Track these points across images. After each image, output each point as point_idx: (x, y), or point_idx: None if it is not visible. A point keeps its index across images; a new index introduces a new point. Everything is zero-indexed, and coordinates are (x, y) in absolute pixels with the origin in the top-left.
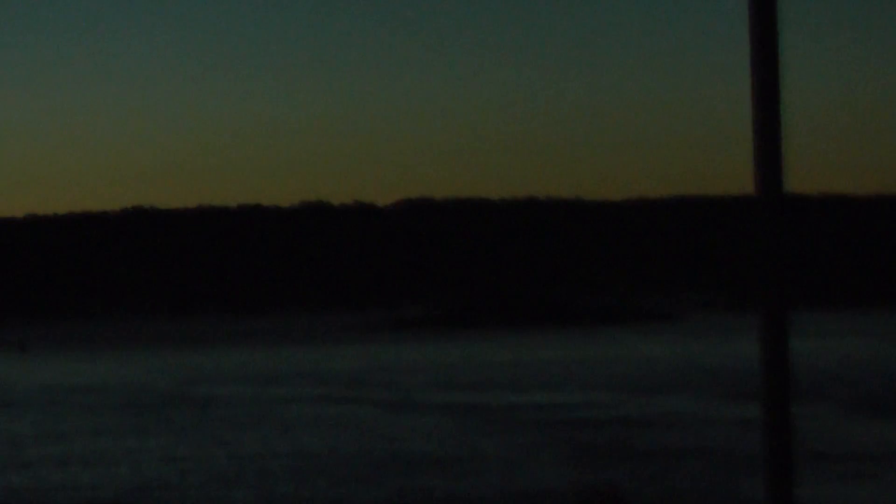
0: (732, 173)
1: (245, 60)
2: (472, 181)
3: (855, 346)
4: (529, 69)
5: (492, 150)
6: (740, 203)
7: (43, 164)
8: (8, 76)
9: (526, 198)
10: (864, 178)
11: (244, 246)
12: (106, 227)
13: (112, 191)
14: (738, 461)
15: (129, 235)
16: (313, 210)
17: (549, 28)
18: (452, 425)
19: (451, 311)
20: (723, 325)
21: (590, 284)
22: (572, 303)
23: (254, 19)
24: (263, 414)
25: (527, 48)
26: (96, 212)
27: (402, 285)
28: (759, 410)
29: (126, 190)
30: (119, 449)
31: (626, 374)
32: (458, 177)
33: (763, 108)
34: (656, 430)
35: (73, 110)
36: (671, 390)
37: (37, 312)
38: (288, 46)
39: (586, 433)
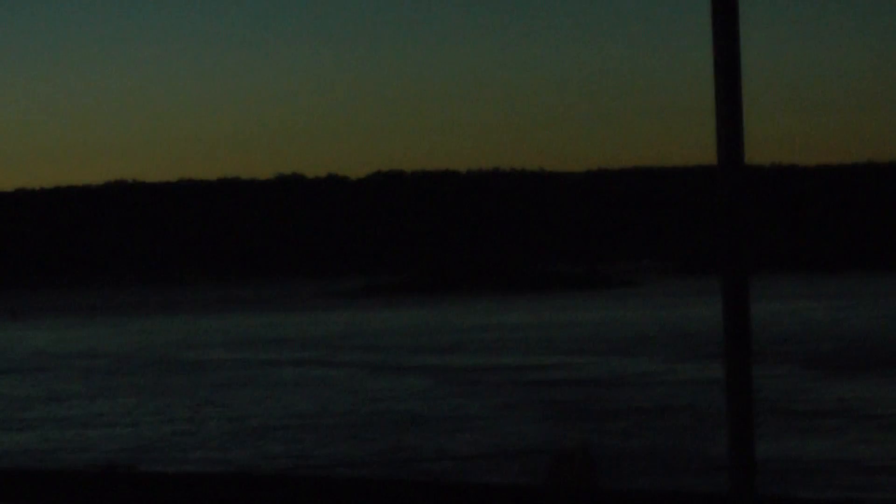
0: (687, 145)
1: (222, 42)
2: (441, 154)
3: (812, 308)
4: (493, 51)
5: (458, 125)
6: (696, 173)
7: (31, 140)
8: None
9: (491, 169)
10: (825, 149)
11: (224, 217)
12: (91, 199)
13: (96, 165)
14: (703, 418)
15: (114, 207)
16: (289, 182)
17: (514, 13)
18: (432, 386)
19: (423, 278)
20: (680, 290)
21: (554, 252)
22: (538, 269)
23: (233, 3)
24: (252, 376)
25: (491, 33)
26: (81, 185)
27: (375, 253)
28: (722, 370)
29: (110, 164)
30: (117, 410)
31: (593, 337)
32: (427, 150)
33: (724, 87)
34: (625, 390)
35: (59, 91)
36: (637, 352)
37: (27, 281)
38: (266, 29)
39: (559, 392)
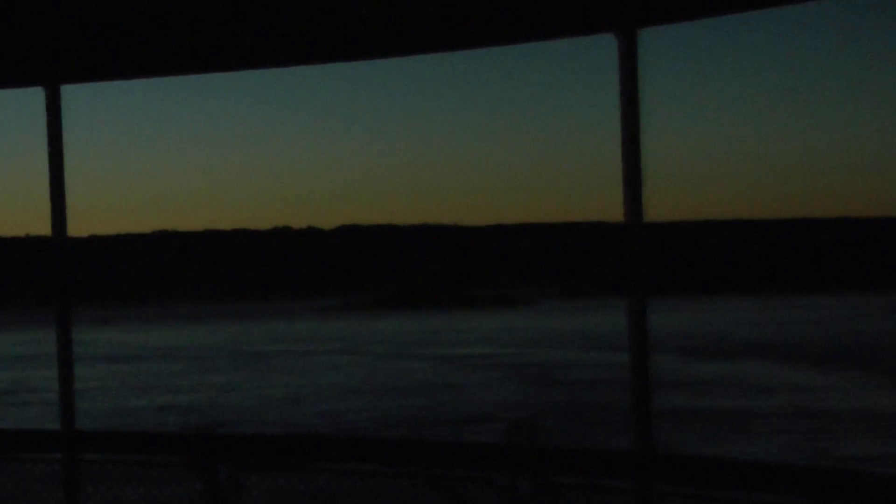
0: (566, 205)
1: (250, 136)
2: (386, 213)
3: (696, 319)
4: (428, 142)
5: (397, 193)
6: (572, 228)
7: (131, 195)
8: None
9: (421, 224)
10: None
11: (242, 256)
12: (184, 241)
13: (148, 216)
14: (619, 385)
15: (163, 252)
16: (280, 232)
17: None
18: (436, 367)
19: (386, 299)
20: (565, 307)
21: (473, 281)
22: (465, 293)
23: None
24: (307, 362)
25: (421, 126)
26: (172, 230)
27: (345, 282)
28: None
29: (157, 216)
30: (230, 382)
31: (524, 337)
32: (377, 210)
33: (628, 158)
34: (565, 368)
35: (157, 164)
36: (558, 345)
37: (112, 297)
38: (279, 118)
39: (524, 371)
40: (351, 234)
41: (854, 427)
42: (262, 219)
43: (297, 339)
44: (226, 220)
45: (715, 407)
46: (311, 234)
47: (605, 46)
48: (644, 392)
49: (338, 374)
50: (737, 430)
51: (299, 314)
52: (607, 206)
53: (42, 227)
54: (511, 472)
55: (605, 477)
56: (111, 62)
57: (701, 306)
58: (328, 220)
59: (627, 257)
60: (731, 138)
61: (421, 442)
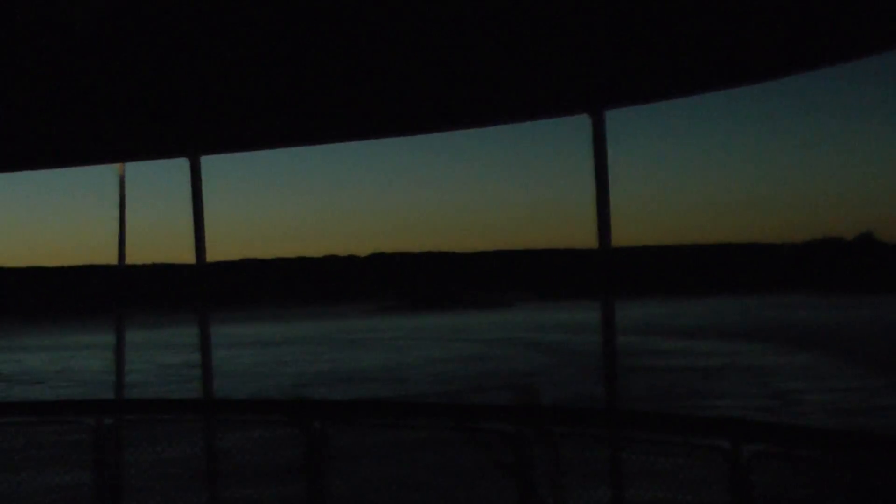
0: (534, 235)
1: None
2: (403, 243)
3: (643, 313)
4: (435, 189)
5: (414, 228)
6: (541, 253)
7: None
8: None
9: (425, 252)
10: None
11: (307, 275)
12: (260, 267)
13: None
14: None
15: (248, 274)
16: (336, 260)
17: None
18: (472, 346)
19: (408, 303)
20: (539, 307)
21: (467, 287)
22: (461, 297)
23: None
24: (388, 344)
25: (435, 175)
26: (252, 258)
27: (377, 292)
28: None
29: (242, 247)
30: (347, 358)
31: (518, 327)
32: (397, 240)
33: (600, 201)
34: (568, 344)
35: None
36: (549, 332)
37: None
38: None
39: (539, 347)
40: (380, 259)
41: (786, 374)
42: (317, 248)
43: (368, 331)
44: (289, 250)
45: (683, 365)
46: (351, 259)
47: (580, 123)
48: (612, 367)
49: (424, 350)
50: (704, 379)
51: (352, 315)
52: (565, 235)
53: (180, 255)
54: (518, 424)
55: (585, 427)
56: (241, 138)
57: (641, 304)
58: (363, 248)
59: (601, 272)
60: (673, 186)
61: (456, 404)
